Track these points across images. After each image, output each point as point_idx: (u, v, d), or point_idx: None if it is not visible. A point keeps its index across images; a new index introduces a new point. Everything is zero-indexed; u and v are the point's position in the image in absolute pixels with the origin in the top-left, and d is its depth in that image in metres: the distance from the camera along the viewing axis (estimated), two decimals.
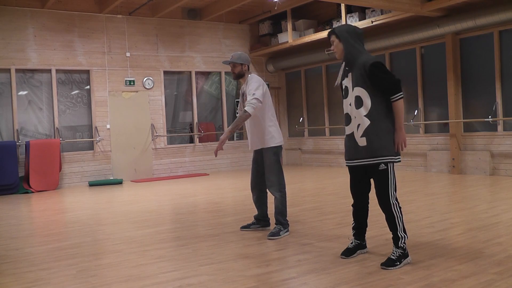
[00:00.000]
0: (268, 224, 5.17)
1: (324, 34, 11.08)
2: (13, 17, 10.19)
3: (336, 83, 3.99)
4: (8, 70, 10.17)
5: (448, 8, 9.09)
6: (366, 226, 4.02)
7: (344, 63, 3.83)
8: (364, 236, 4.03)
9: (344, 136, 3.94)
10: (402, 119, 3.66)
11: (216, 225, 5.58)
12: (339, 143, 12.03)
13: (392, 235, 3.72)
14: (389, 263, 3.58)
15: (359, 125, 3.69)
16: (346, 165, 3.93)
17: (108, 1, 10.64)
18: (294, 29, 11.97)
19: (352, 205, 4.01)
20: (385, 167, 3.66)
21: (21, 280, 3.78)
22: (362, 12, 10.35)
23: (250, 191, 5.18)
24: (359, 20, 10.27)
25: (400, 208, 3.69)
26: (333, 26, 10.92)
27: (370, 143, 3.64)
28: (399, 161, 3.75)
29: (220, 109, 12.83)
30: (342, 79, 3.88)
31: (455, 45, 9.49)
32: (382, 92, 3.63)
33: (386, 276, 3.42)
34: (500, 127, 8.98)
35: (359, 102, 3.68)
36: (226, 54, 12.75)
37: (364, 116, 3.65)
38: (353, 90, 3.72)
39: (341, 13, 10.62)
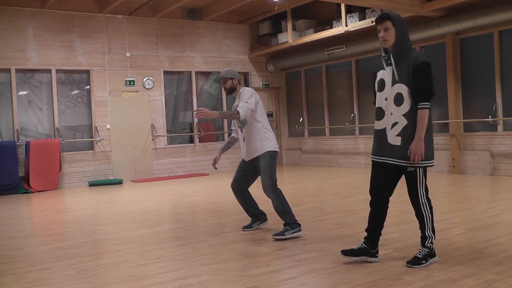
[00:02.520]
0: (266, 218, 5.21)
1: (324, 34, 11.09)
2: (13, 17, 10.19)
3: (375, 80, 3.74)
4: (8, 70, 10.17)
5: (448, 8, 9.09)
6: (380, 232, 3.77)
7: (386, 54, 3.62)
8: (376, 243, 3.75)
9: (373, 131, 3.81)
10: (423, 130, 3.47)
11: (216, 225, 5.58)
12: (339, 143, 12.03)
13: (420, 234, 3.69)
14: (414, 261, 3.58)
15: (396, 123, 3.54)
16: (372, 160, 3.76)
17: (108, 1, 10.64)
18: (294, 29, 11.97)
19: (370, 204, 3.78)
20: (413, 169, 3.56)
21: (21, 280, 3.78)
22: (362, 12, 10.36)
23: None
24: (359, 20, 10.27)
25: (431, 208, 3.64)
26: (333, 26, 10.94)
27: (405, 144, 3.51)
28: (432, 165, 3.62)
29: (220, 109, 12.82)
30: (378, 70, 3.71)
31: (455, 45, 9.49)
32: (414, 93, 3.47)
33: (386, 276, 3.42)
34: (500, 127, 8.98)
35: (399, 100, 3.53)
36: (226, 54, 12.76)
37: (403, 115, 3.51)
38: (393, 85, 3.56)
39: (341, 13, 10.62)
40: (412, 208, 3.66)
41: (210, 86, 12.80)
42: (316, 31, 11.53)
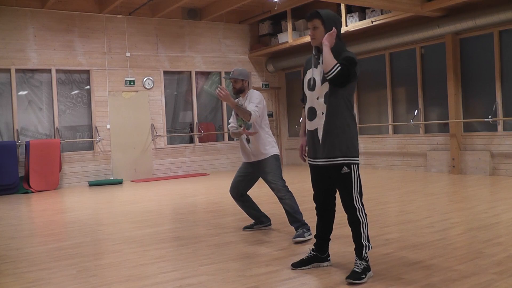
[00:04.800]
0: (269, 220, 5.22)
1: None
2: (13, 17, 10.19)
3: (304, 78, 3.60)
4: (8, 70, 10.17)
5: (448, 8, 9.10)
6: (329, 238, 3.74)
7: (317, 53, 3.51)
8: (326, 248, 3.73)
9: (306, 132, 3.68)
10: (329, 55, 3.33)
11: (216, 225, 5.58)
12: None
13: (355, 245, 3.48)
14: (355, 276, 3.30)
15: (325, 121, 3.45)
16: (309, 163, 3.64)
17: (108, 1, 10.64)
18: (294, 29, 11.97)
19: (316, 210, 3.70)
20: (348, 170, 3.38)
21: (21, 280, 3.78)
22: (362, 12, 10.36)
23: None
24: (359, 20, 10.27)
25: (365, 214, 3.45)
26: None
27: (330, 141, 3.39)
28: (358, 162, 3.45)
29: (220, 109, 12.83)
30: (308, 68, 3.59)
31: (455, 45, 9.49)
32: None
33: (386, 276, 3.42)
34: (500, 127, 8.98)
35: (326, 98, 3.42)
36: (226, 54, 12.76)
37: (326, 111, 3.41)
38: (322, 84, 3.44)
39: (341, 13, 10.62)
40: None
41: (210, 86, 12.80)
42: None
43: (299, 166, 13.04)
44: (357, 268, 3.36)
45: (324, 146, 3.44)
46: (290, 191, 4.83)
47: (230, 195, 5.14)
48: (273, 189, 4.84)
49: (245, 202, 5.13)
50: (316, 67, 3.51)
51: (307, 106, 3.60)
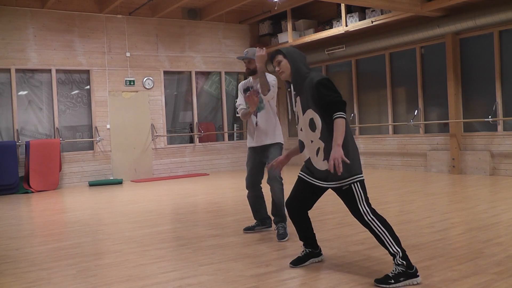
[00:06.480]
0: (271, 224, 5.18)
1: (324, 34, 11.10)
2: (13, 17, 10.19)
3: (290, 116, 3.77)
4: (8, 70, 10.17)
5: (448, 8, 9.10)
6: (314, 236, 3.82)
7: (289, 86, 3.65)
8: (316, 243, 3.83)
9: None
10: (340, 137, 3.24)
11: (216, 225, 5.58)
12: None
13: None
14: (382, 280, 3.24)
15: (319, 148, 3.45)
16: (299, 175, 3.69)
17: (108, 1, 10.64)
18: (294, 29, 11.97)
19: (290, 217, 3.74)
20: (348, 186, 3.35)
21: (21, 280, 3.78)
22: (362, 12, 10.36)
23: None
24: (359, 20, 10.27)
25: (382, 221, 3.32)
26: (333, 26, 10.96)
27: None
28: (362, 178, 3.40)
29: (220, 109, 12.83)
30: (294, 106, 3.67)
31: (455, 45, 9.49)
32: (324, 110, 3.35)
33: None
34: (500, 127, 8.98)
35: (313, 125, 3.45)
36: (226, 54, 12.76)
37: (319, 138, 3.42)
38: (304, 113, 3.50)
39: (341, 13, 10.62)
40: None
41: (210, 86, 12.80)
42: (316, 31, 11.53)
43: (299, 166, 13.02)
44: (391, 273, 3.26)
45: (328, 172, 3.38)
46: (282, 184, 4.84)
47: (246, 187, 5.06)
48: (268, 176, 4.83)
49: (256, 197, 5.06)
50: (295, 101, 3.61)
51: (298, 138, 3.71)
